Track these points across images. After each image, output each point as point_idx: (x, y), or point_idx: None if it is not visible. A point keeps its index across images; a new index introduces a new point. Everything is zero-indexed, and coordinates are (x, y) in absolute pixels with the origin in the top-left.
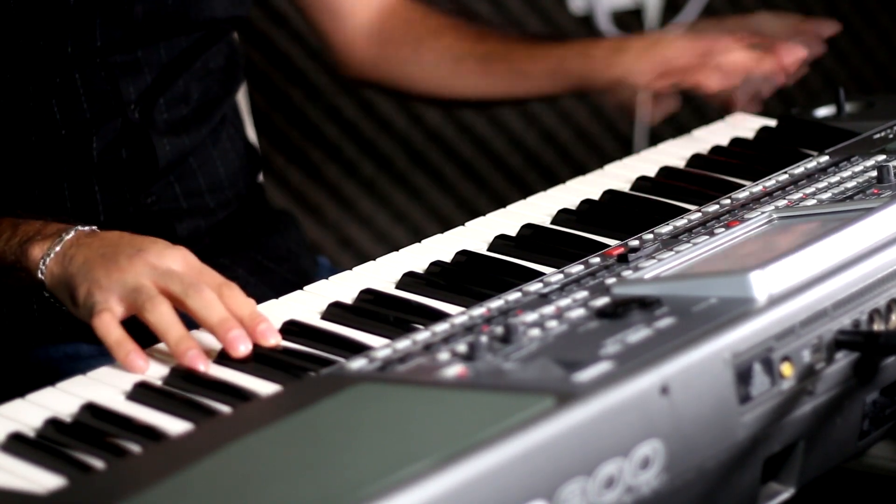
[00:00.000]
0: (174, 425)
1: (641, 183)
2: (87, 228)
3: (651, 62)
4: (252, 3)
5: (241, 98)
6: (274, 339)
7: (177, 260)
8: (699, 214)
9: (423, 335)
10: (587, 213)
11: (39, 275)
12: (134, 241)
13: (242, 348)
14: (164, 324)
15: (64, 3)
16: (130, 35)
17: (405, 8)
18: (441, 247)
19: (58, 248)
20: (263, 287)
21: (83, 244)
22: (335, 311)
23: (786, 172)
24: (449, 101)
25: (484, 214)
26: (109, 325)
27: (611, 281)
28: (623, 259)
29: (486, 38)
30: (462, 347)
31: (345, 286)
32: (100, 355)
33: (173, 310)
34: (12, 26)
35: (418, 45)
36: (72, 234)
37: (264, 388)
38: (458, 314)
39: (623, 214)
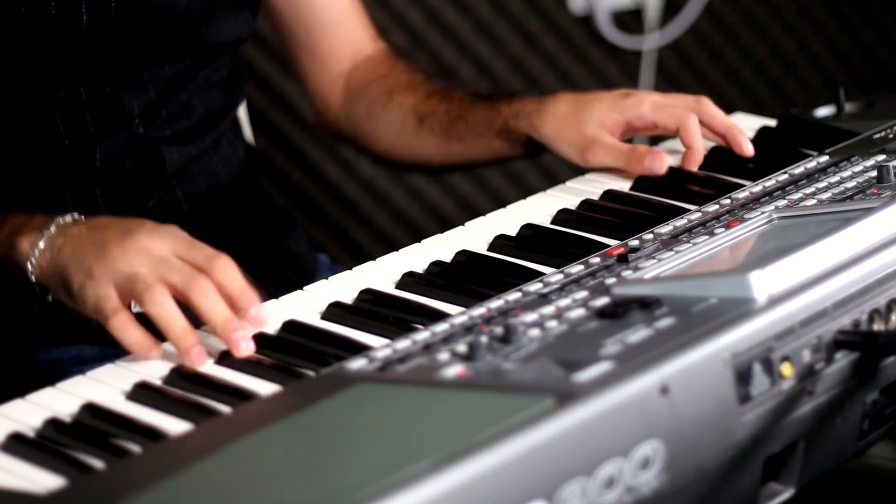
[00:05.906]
0: (174, 425)
1: (641, 183)
2: (67, 218)
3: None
4: (254, 23)
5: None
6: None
7: (168, 239)
8: (699, 214)
9: (422, 335)
10: (587, 213)
11: (29, 267)
12: (121, 225)
13: (245, 348)
14: (166, 317)
15: (76, 28)
16: (140, 58)
17: (378, 61)
18: (441, 247)
19: (43, 241)
20: (266, 287)
21: (70, 235)
22: (335, 311)
23: (786, 172)
24: (408, 163)
25: (484, 214)
26: (125, 328)
27: (611, 281)
28: (623, 259)
29: (451, 97)
30: (462, 347)
31: (345, 286)
32: (103, 358)
33: (174, 301)
34: (23, 48)
35: (387, 101)
36: (53, 225)
37: (264, 388)
38: (457, 314)
39: (623, 214)
